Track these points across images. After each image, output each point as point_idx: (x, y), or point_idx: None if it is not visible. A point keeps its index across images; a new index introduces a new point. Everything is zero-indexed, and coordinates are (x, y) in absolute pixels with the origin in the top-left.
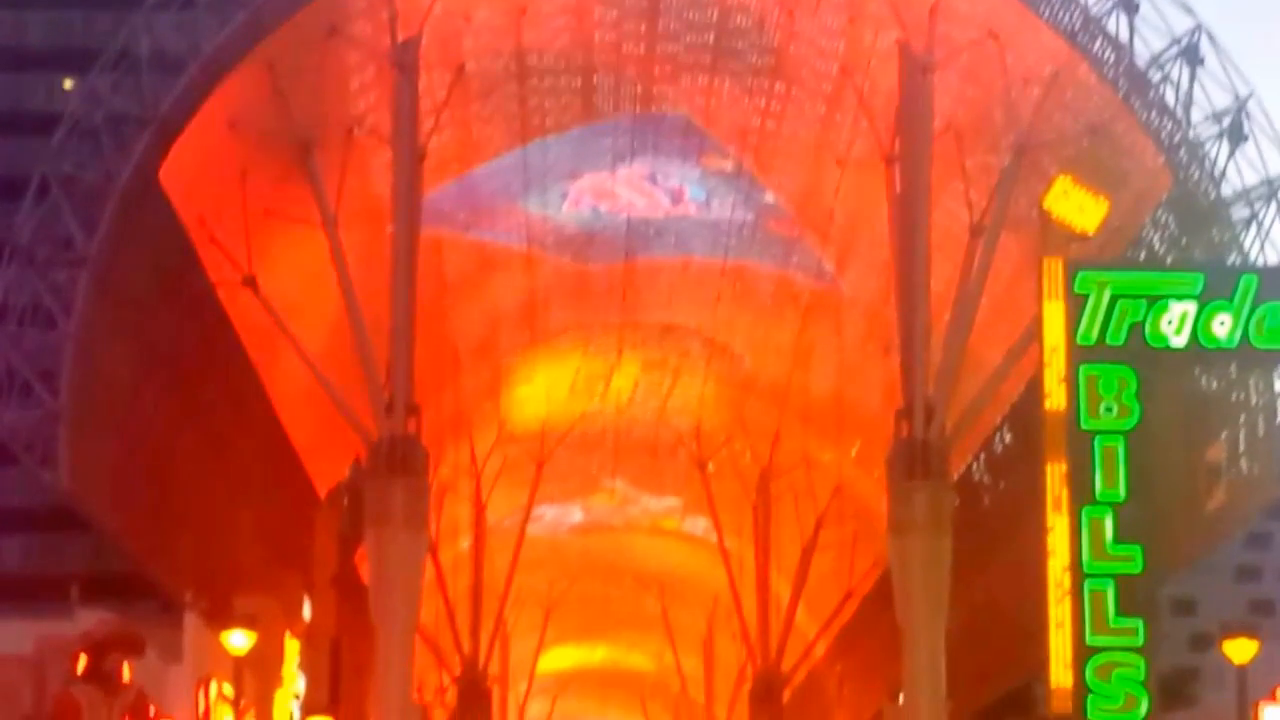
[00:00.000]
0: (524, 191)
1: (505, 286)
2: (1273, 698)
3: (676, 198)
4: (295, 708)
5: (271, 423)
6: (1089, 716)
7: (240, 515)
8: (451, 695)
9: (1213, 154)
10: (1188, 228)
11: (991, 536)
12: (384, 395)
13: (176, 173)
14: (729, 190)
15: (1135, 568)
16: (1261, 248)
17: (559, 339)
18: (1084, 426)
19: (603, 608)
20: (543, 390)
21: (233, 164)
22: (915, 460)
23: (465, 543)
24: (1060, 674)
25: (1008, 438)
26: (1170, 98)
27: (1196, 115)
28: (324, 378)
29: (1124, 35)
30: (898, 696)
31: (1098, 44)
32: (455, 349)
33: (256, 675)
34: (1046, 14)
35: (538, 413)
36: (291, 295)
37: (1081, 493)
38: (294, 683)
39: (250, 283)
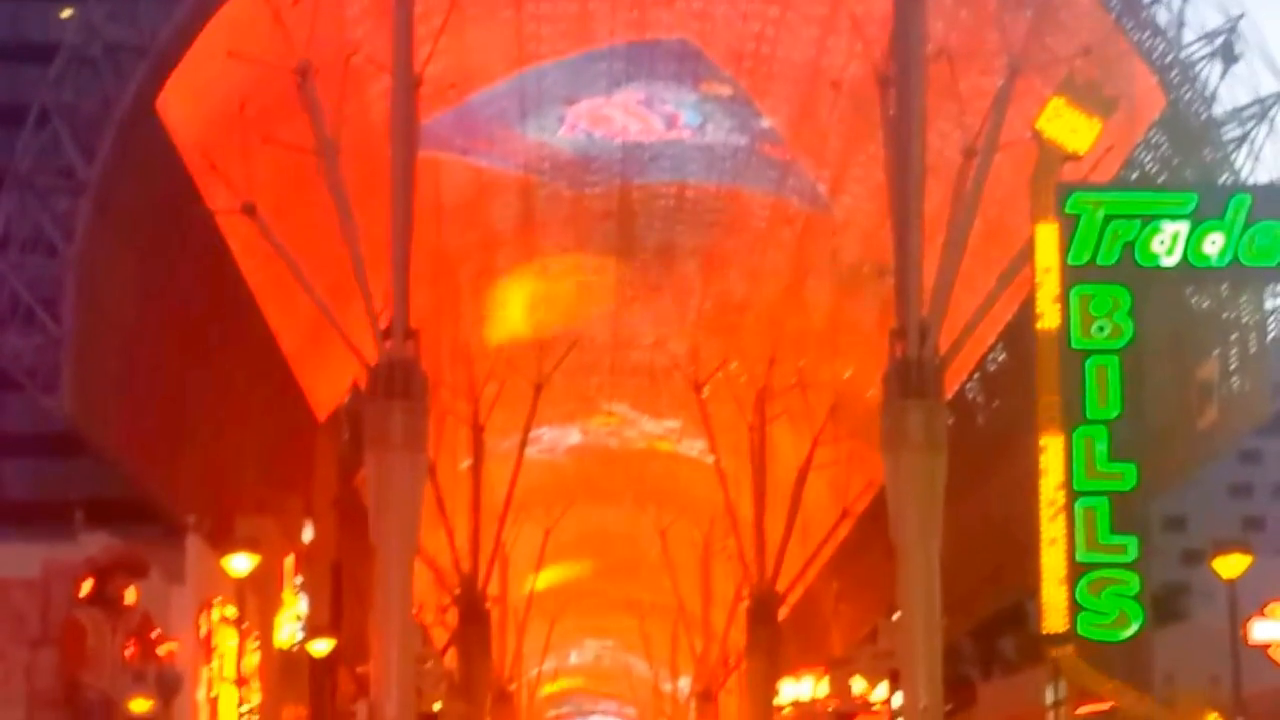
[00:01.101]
0: (520, 117)
1: (502, 212)
2: (1263, 613)
3: (672, 122)
4: (297, 629)
5: (271, 348)
6: (1081, 632)
7: (241, 440)
8: (451, 615)
9: (1205, 74)
10: (1180, 148)
11: (985, 455)
12: (382, 320)
13: (174, 101)
14: (724, 115)
15: (1127, 485)
16: (1253, 167)
17: (555, 263)
18: (1076, 346)
19: (600, 529)
20: (540, 314)
21: (231, 92)
22: (910, 380)
23: (464, 465)
24: (1053, 591)
25: (1001, 358)
26: (1162, 18)
27: (1189, 35)
28: (322, 303)
29: None
30: (893, 614)
31: None
32: (453, 274)
33: (258, 597)
34: None
35: (535, 337)
36: (290, 222)
37: (1074, 411)
38: (295, 604)
39: (249, 210)
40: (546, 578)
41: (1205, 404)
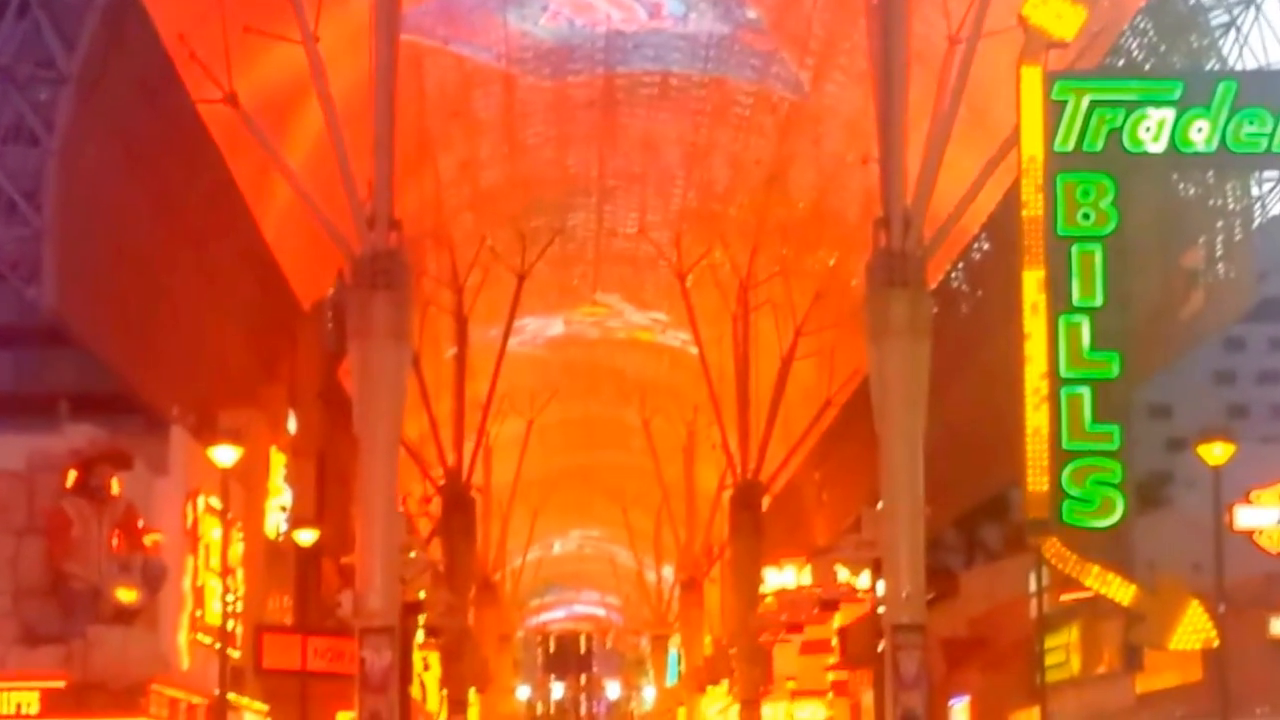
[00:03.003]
0: (503, 5)
1: (485, 101)
2: (1248, 499)
3: (655, 11)
4: (281, 519)
5: (255, 238)
6: (1065, 520)
7: (225, 331)
8: (436, 506)
9: None
10: (1166, 34)
11: (970, 344)
12: (366, 210)
13: None
14: (707, 3)
15: (1111, 373)
16: (1240, 54)
17: (538, 153)
18: (1061, 233)
19: (584, 419)
20: (522, 204)
21: None
22: (894, 269)
23: (448, 355)
24: (1037, 479)
25: (986, 246)
26: None
27: None
28: (306, 193)
29: None
30: (876, 503)
31: None
32: (436, 164)
33: (243, 488)
34: None
35: (518, 226)
36: (273, 112)
37: (1059, 299)
38: (280, 495)
39: (231, 100)
40: (530, 468)
41: (1190, 291)
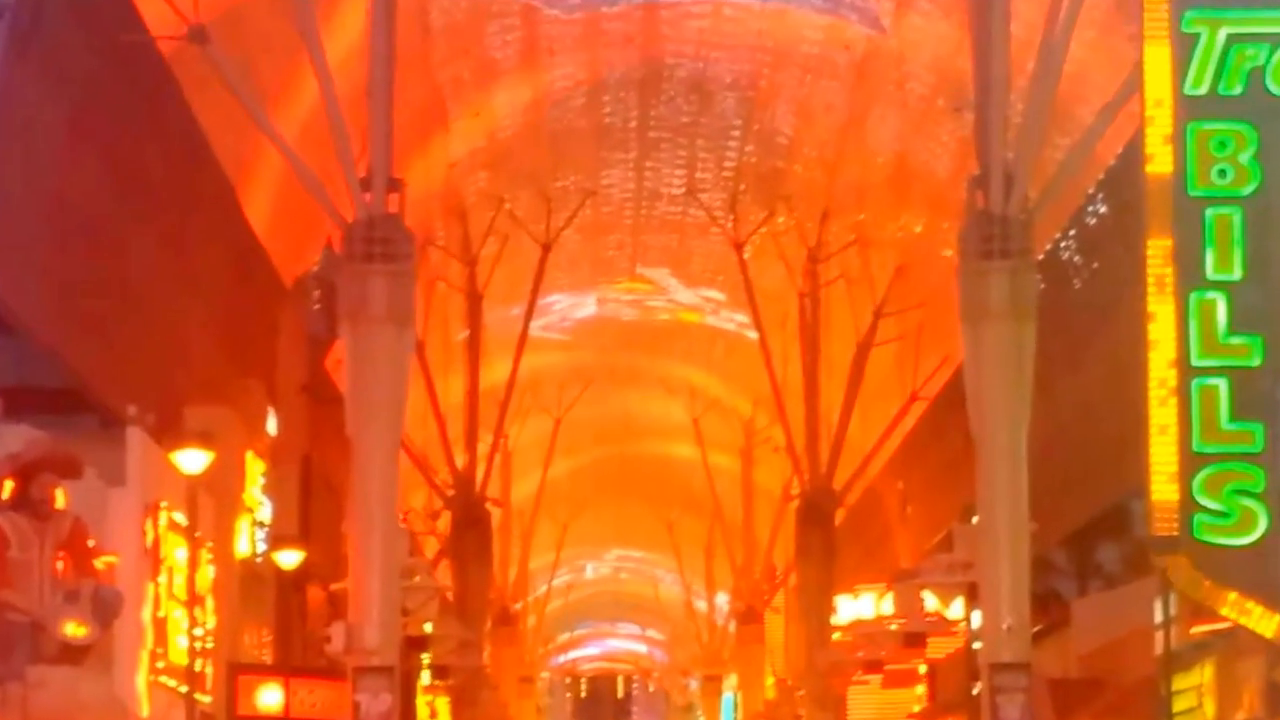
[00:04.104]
0: None
1: (501, 37)
2: None
3: None
4: (260, 538)
5: (228, 203)
6: (1197, 537)
7: (192, 313)
8: (444, 522)
9: None
10: None
11: (1083, 327)
12: (360, 168)
13: None
14: None
15: (1253, 361)
16: None
17: (567, 99)
18: (1193, 194)
19: (621, 417)
20: (548, 159)
21: None
22: (993, 236)
23: (459, 339)
24: (1163, 488)
25: (1102, 209)
26: None
27: None
28: (287, 147)
29: None
30: (971, 517)
31: None
32: (444, 113)
33: (214, 500)
34: None
35: (543, 186)
36: (246, 50)
37: (1190, 273)
38: (258, 509)
39: (198, 36)
40: (557, 476)
41: None
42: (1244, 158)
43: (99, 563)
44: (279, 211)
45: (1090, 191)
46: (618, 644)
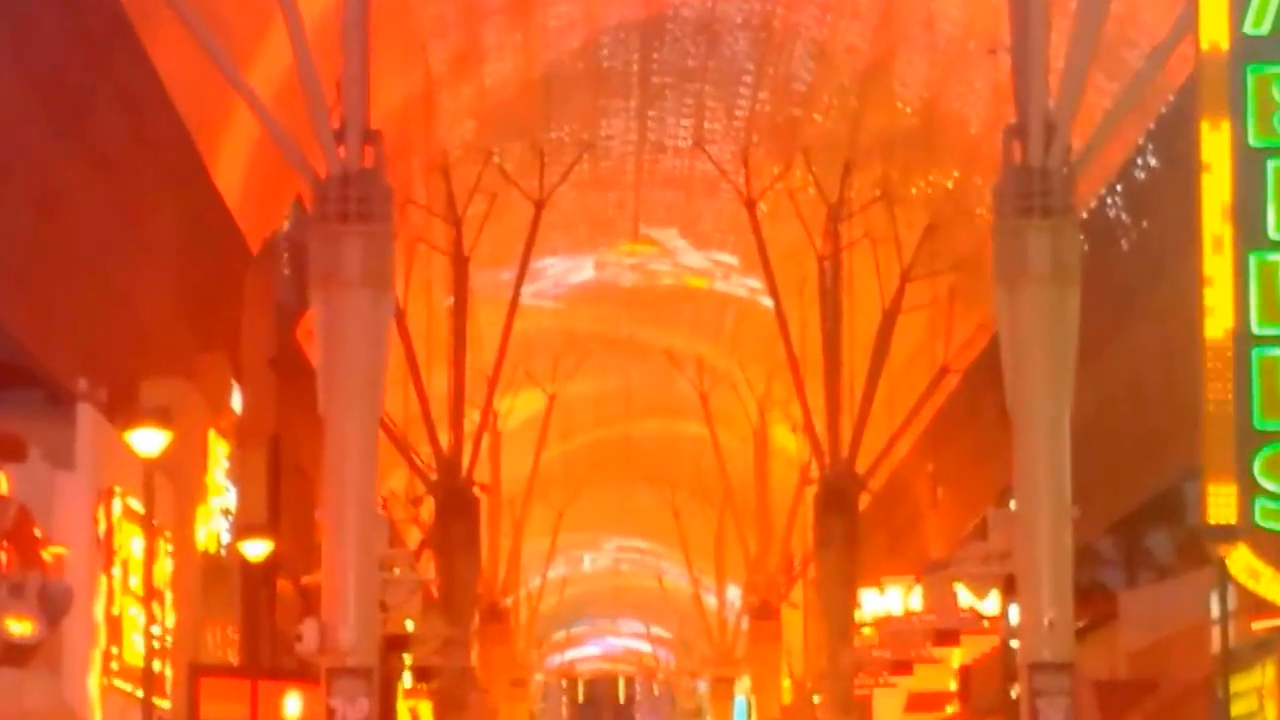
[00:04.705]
0: None
1: None
2: None
3: None
4: (224, 527)
5: (188, 157)
6: (1258, 523)
7: (148, 277)
8: (427, 508)
9: None
10: None
11: (1131, 291)
12: (334, 118)
13: None
14: None
15: None
16: None
17: (561, 40)
18: (1253, 144)
19: (622, 393)
20: (541, 109)
21: None
22: (1032, 192)
23: (443, 309)
24: (1220, 470)
25: (1152, 162)
26: None
27: None
28: (251, 93)
29: None
30: (1008, 502)
31: None
32: (426, 56)
33: (173, 485)
34: None
35: (535, 138)
36: None
37: (1250, 232)
38: (221, 494)
39: None
40: (551, 458)
41: None
42: None
43: (46, 554)
44: (244, 167)
45: (1139, 143)
46: (618, 643)
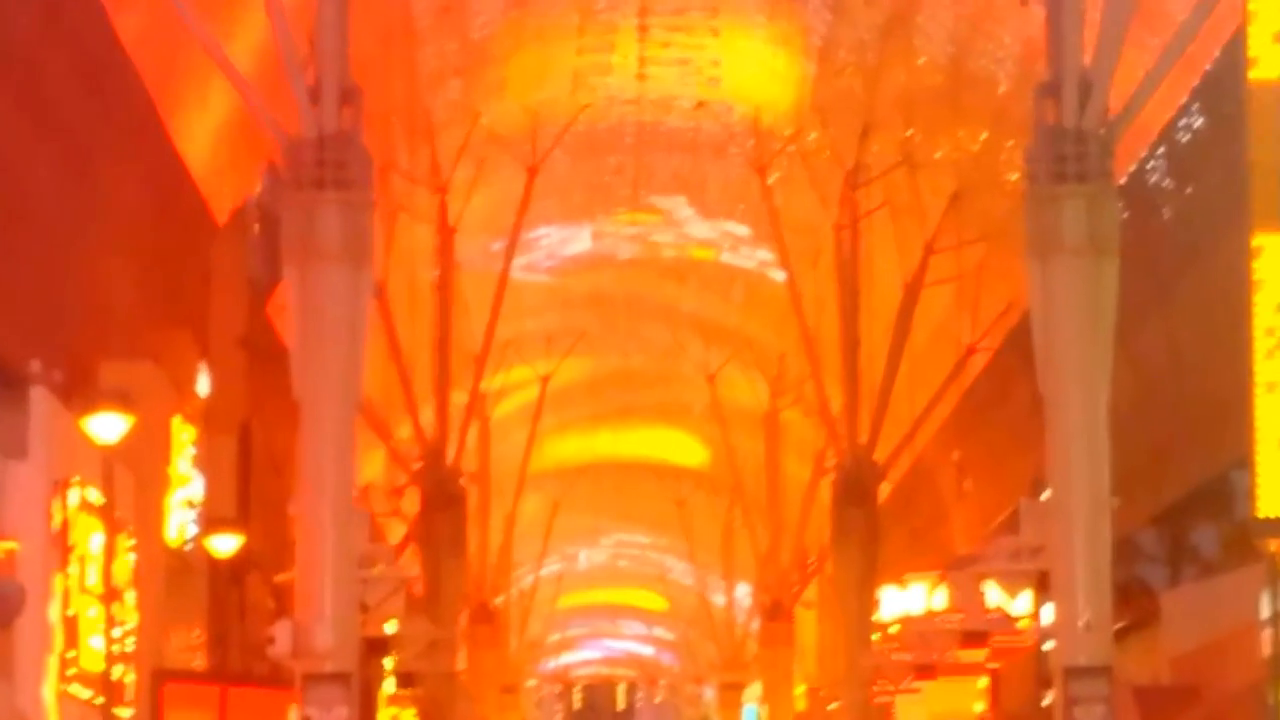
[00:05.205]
0: None
1: None
2: None
3: None
4: (190, 520)
5: (149, 119)
6: None
7: (107, 250)
8: (411, 501)
9: None
10: None
11: (1174, 264)
12: (308, 75)
13: None
14: None
15: None
16: None
17: None
18: None
19: (621, 374)
20: (534, 63)
21: None
22: (1066, 156)
23: (427, 284)
24: (1271, 457)
25: (1197, 123)
26: None
27: None
28: (217, 48)
29: None
30: (1040, 492)
31: None
32: (408, 9)
33: (134, 475)
34: None
35: (528, 96)
36: None
37: None
38: (187, 485)
39: None
40: (545, 447)
41: None
42: None
43: None
44: (211, 130)
45: (1183, 102)
46: (618, 646)
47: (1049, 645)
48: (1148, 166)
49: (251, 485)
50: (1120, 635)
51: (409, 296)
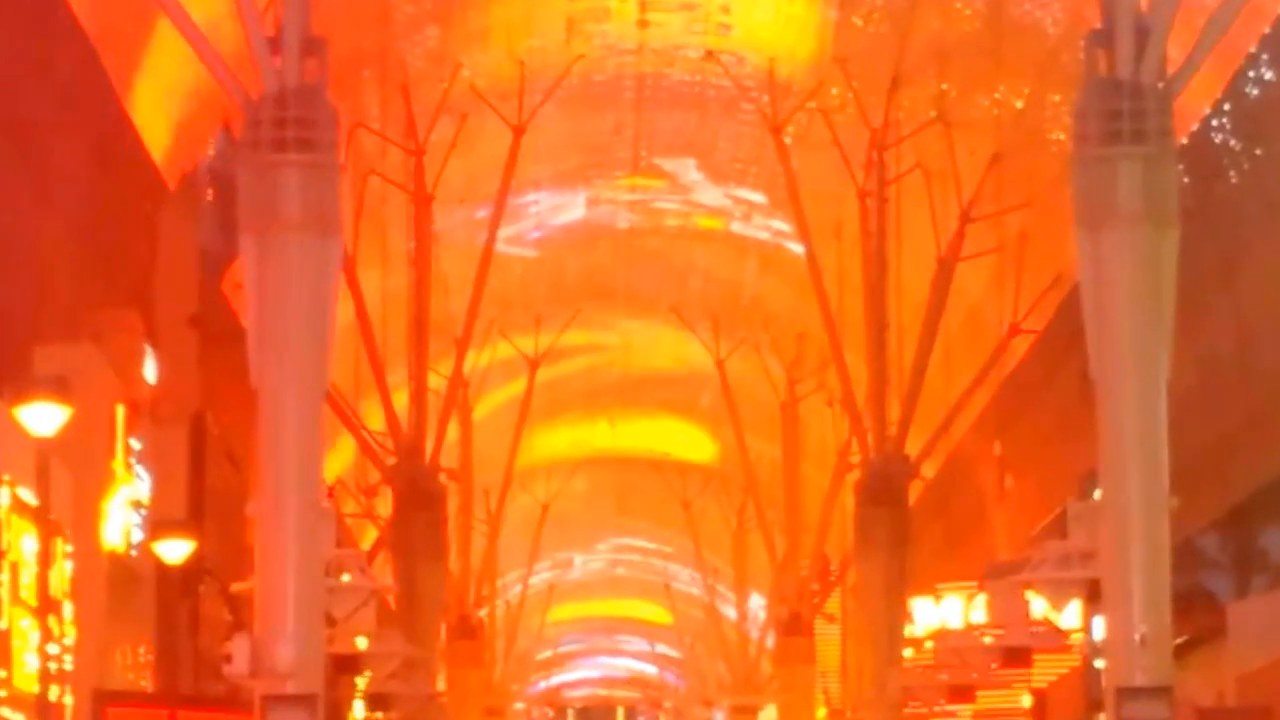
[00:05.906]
0: None
1: None
2: None
3: None
4: (135, 523)
5: (90, 73)
6: None
7: (42, 220)
8: (384, 501)
9: None
10: None
11: (1241, 233)
12: (268, 25)
13: None
14: None
15: None
16: None
17: None
18: None
19: (620, 354)
20: (520, 10)
21: None
22: (1120, 113)
23: (402, 255)
24: None
25: (1267, 75)
26: None
27: None
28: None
29: None
30: (1091, 491)
31: None
32: None
33: (72, 472)
34: None
35: (514, 47)
36: None
37: None
38: (131, 483)
39: None
40: (533, 440)
41: None
42: None
43: None
44: (160, 87)
45: (1251, 51)
46: (616, 664)
47: (1100, 663)
48: (1211, 125)
49: (204, 483)
50: (1181, 651)
51: (381, 271)
